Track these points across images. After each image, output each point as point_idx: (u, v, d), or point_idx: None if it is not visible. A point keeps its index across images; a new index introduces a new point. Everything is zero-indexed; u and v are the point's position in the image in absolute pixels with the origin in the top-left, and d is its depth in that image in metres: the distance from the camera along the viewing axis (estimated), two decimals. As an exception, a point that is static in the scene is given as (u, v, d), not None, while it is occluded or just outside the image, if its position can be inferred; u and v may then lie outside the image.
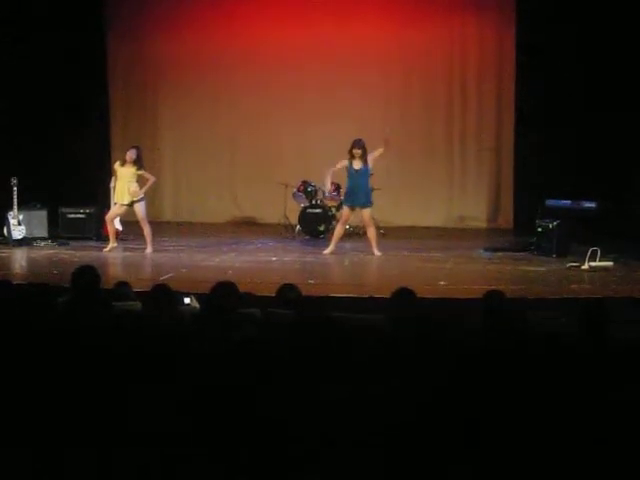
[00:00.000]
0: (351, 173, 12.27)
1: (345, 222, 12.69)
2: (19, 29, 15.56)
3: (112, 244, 12.75)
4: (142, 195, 12.53)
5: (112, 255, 12.52)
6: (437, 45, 16.19)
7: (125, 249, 12.91)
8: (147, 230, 12.53)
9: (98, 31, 16.56)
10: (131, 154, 12.47)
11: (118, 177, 12.60)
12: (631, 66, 13.94)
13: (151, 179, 12.59)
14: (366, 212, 12.31)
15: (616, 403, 4.06)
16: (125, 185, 12.45)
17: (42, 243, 13.38)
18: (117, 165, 12.65)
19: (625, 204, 13.25)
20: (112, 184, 13.78)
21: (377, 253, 12.25)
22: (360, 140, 12.30)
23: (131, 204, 12.50)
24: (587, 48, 14.26)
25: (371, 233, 12.39)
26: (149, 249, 12.48)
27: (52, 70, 15.77)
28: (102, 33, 16.68)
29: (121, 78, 17.04)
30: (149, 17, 16.69)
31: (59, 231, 14.03)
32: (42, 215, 13.95)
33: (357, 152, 12.20)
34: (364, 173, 12.24)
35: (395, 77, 16.28)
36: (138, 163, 12.48)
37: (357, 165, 12.22)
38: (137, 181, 12.51)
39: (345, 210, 12.50)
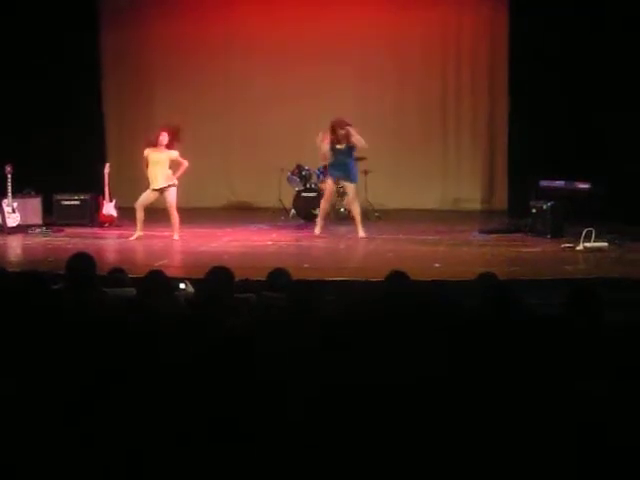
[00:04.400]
0: (334, 151, 12.41)
1: (329, 197, 12.76)
2: (10, 17, 15.52)
3: (139, 232, 12.49)
4: (175, 180, 12.32)
5: (107, 242, 12.52)
6: (432, 33, 16.22)
7: (120, 235, 12.91)
8: (175, 217, 12.35)
9: (91, 18, 16.49)
10: (163, 138, 12.22)
11: (150, 162, 12.27)
12: (624, 52, 13.99)
13: (184, 164, 12.31)
14: (350, 187, 12.47)
15: (610, 383, 4.08)
16: (158, 170, 12.24)
17: (37, 230, 13.35)
18: (147, 151, 12.30)
19: (619, 184, 13.27)
20: (107, 170, 13.76)
21: (362, 234, 12.28)
22: (342, 121, 12.46)
23: (163, 189, 12.31)
24: (581, 35, 14.30)
25: (355, 211, 12.43)
26: (176, 236, 12.34)
27: (45, 57, 15.74)
28: (95, 20, 16.60)
29: (115, 64, 16.97)
30: (142, 3, 16.64)
31: (54, 218, 14.02)
32: (36, 202, 13.90)
33: (341, 132, 12.31)
34: (347, 151, 12.40)
35: (390, 63, 16.27)
36: (171, 146, 12.28)
37: (340, 145, 12.35)
38: (170, 166, 12.33)
39: (329, 182, 12.64)
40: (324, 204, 12.67)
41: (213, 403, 3.82)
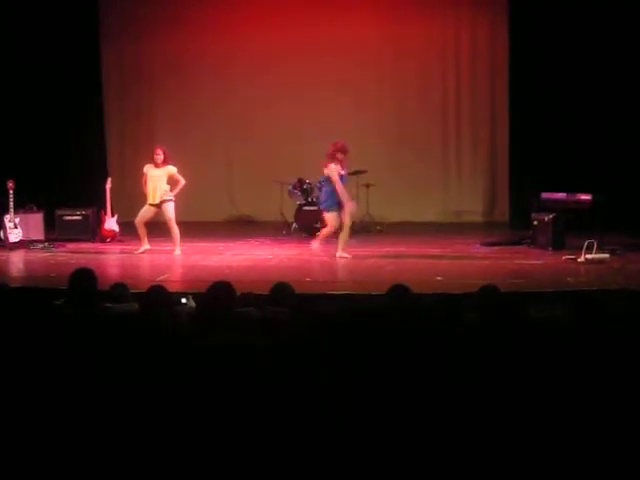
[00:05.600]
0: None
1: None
2: (12, 32, 15.59)
3: (145, 246, 12.50)
4: (172, 195, 12.34)
5: (109, 257, 12.54)
6: (431, 41, 16.28)
7: (122, 250, 12.92)
8: (175, 231, 12.36)
9: (92, 33, 16.57)
10: (158, 157, 12.26)
11: (149, 178, 12.34)
12: (624, 60, 14.05)
13: (182, 181, 12.31)
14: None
15: (611, 394, 4.08)
16: (157, 185, 12.28)
17: (39, 246, 13.35)
18: (147, 167, 12.39)
19: (620, 196, 13.28)
20: (109, 185, 13.80)
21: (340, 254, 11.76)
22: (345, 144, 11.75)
23: (160, 204, 12.33)
24: (580, 42, 14.36)
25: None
26: (178, 250, 12.32)
27: (46, 73, 15.80)
28: (96, 35, 16.68)
29: (116, 79, 17.05)
30: (143, 18, 16.70)
31: (56, 233, 14.02)
32: (38, 218, 13.90)
33: (342, 156, 11.66)
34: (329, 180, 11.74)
35: (390, 74, 16.34)
36: (168, 162, 12.33)
37: (343, 171, 11.71)
38: (167, 182, 12.33)
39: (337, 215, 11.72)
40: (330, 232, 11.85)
41: (213, 417, 3.82)
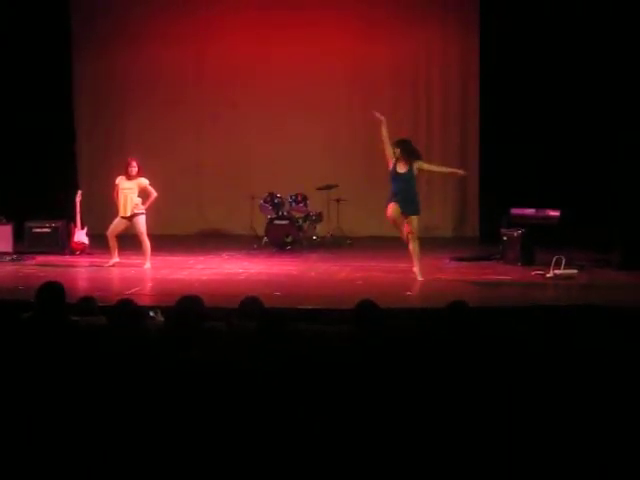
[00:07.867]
0: (393, 177, 10.90)
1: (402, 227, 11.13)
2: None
3: (114, 259, 12.42)
4: (143, 209, 12.25)
5: (78, 270, 12.47)
6: (402, 61, 16.37)
7: (91, 263, 12.86)
8: (146, 245, 12.26)
9: (64, 47, 16.52)
10: (132, 169, 12.17)
11: (120, 190, 12.22)
12: (594, 76, 14.20)
13: (153, 194, 12.23)
14: (414, 220, 11.05)
15: (577, 409, 4.11)
16: (128, 198, 12.19)
17: (7, 258, 13.24)
18: (119, 179, 12.28)
19: (588, 212, 13.41)
20: (79, 198, 13.70)
21: (416, 271, 11.19)
22: (404, 141, 11.04)
23: (131, 217, 12.24)
24: (550, 57, 14.52)
25: (414, 246, 11.15)
26: (148, 264, 12.25)
27: (17, 85, 15.75)
28: (68, 49, 16.63)
29: (86, 93, 16.99)
30: (115, 33, 16.67)
31: (25, 246, 13.92)
32: (7, 230, 13.80)
33: (397, 152, 10.86)
34: (409, 178, 10.89)
35: (361, 90, 16.35)
36: (141, 174, 12.25)
37: (401, 169, 10.86)
38: (139, 194, 12.23)
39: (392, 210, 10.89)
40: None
41: (181, 430, 3.81)
